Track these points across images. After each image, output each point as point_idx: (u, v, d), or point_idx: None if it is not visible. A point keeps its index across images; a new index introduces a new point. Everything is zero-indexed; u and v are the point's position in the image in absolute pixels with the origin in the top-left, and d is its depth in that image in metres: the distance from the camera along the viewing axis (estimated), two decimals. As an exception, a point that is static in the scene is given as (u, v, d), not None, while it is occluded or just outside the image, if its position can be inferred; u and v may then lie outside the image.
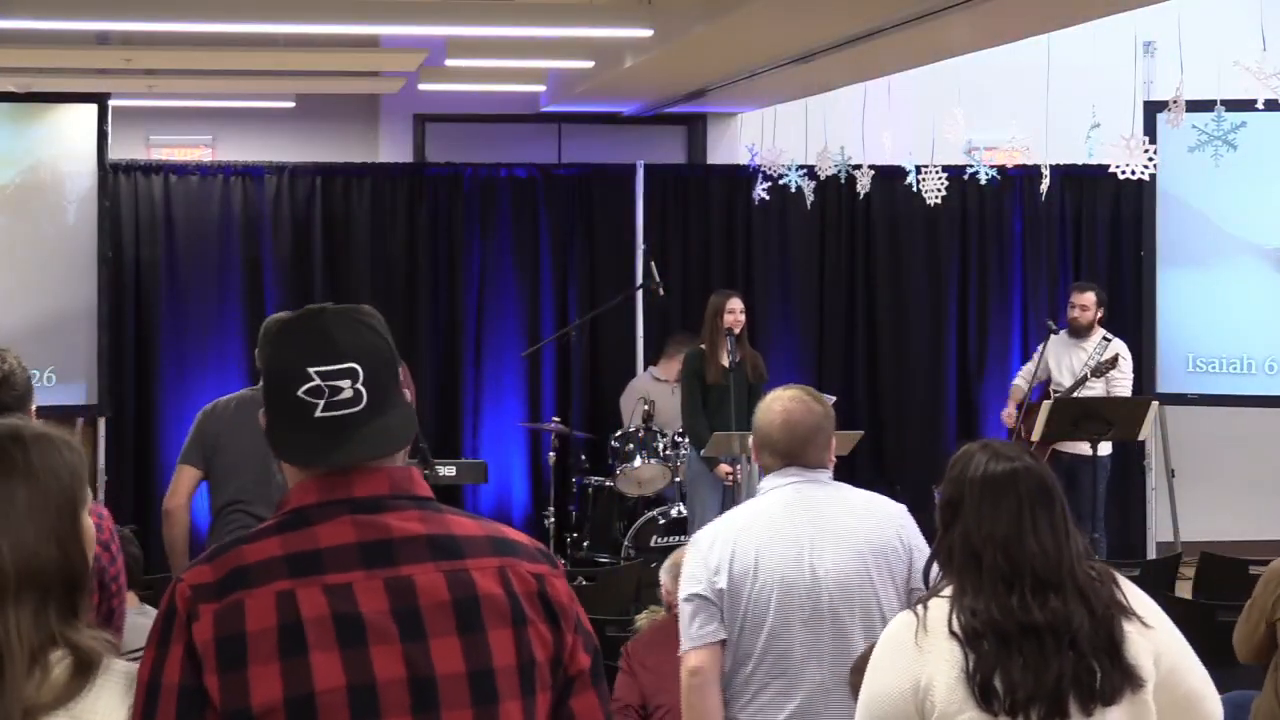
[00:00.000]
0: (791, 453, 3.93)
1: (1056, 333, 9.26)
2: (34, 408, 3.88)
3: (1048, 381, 9.34)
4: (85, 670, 2.12)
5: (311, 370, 2.17)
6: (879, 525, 3.91)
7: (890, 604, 3.79)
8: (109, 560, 3.90)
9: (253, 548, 2.10)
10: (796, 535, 3.83)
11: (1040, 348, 9.38)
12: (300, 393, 2.16)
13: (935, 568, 3.09)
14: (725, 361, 8.53)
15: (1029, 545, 2.94)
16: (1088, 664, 2.91)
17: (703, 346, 8.69)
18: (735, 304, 8.86)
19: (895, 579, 3.87)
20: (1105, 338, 9.28)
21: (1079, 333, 9.24)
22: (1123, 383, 9.20)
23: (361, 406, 2.17)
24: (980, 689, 2.87)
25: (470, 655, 2.10)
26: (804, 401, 3.99)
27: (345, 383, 2.18)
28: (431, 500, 2.20)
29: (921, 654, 2.93)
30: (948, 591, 2.98)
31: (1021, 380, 9.44)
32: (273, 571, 2.07)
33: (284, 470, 2.22)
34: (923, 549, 3.83)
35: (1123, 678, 2.92)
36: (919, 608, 2.99)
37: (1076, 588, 2.95)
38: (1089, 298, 9.30)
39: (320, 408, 2.16)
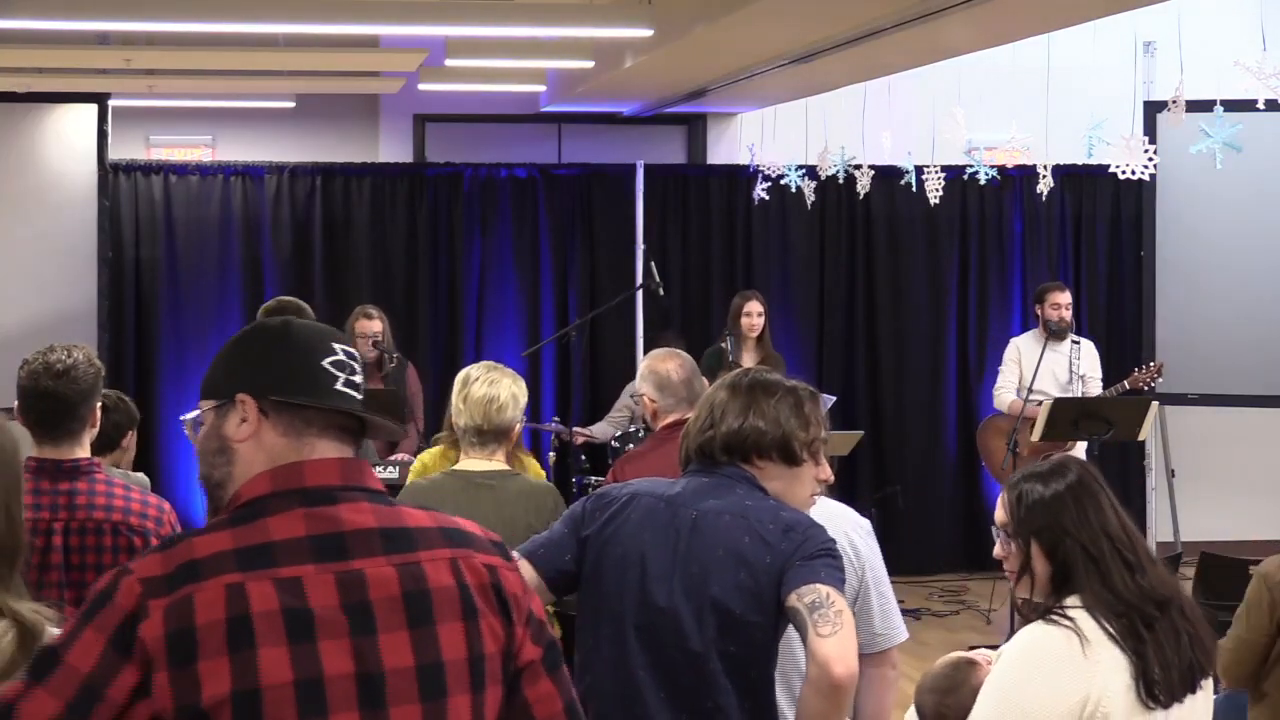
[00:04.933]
0: None
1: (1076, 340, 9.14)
2: (99, 405, 3.85)
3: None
4: (30, 642, 2.13)
5: (336, 346, 2.21)
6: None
7: None
8: None
9: (204, 540, 2.08)
10: None
11: (1010, 355, 9.22)
12: (325, 363, 2.19)
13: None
14: (744, 363, 8.53)
15: (1130, 528, 3.01)
16: (1195, 633, 2.95)
17: (722, 345, 8.72)
18: (753, 306, 8.96)
19: None
20: (1075, 340, 9.16)
21: (1059, 334, 8.99)
22: (1096, 382, 9.15)
23: (362, 397, 2.24)
24: (1146, 685, 2.85)
25: (419, 649, 2.08)
26: None
27: (359, 368, 2.24)
28: (382, 493, 2.20)
29: (1091, 666, 2.86)
30: (1069, 602, 2.94)
31: (1010, 393, 9.08)
32: (222, 564, 2.04)
33: (251, 452, 2.18)
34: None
35: (1209, 647, 2.97)
36: (1061, 620, 2.91)
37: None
38: (1069, 296, 9.16)
39: (341, 382, 2.20)
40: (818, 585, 2.90)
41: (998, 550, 3.11)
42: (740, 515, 3.05)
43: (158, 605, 2.01)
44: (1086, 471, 3.06)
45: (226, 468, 2.17)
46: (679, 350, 5.19)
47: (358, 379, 2.22)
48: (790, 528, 3.02)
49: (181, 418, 2.29)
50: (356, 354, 2.25)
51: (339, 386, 2.19)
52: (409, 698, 2.06)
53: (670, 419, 4.91)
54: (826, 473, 3.27)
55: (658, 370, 4.97)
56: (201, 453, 2.20)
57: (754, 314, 8.94)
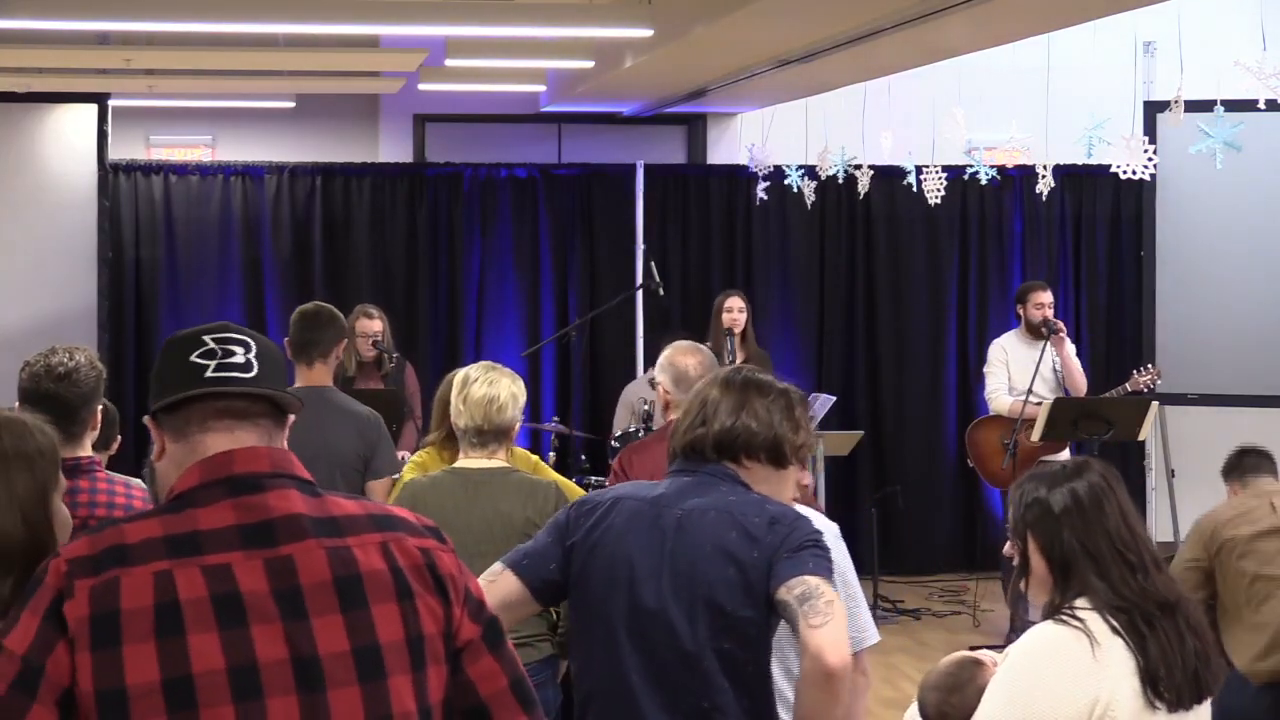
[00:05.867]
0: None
1: (1060, 334, 9.07)
2: (100, 407, 3.85)
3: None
4: None
5: (206, 338, 2.19)
6: None
7: None
8: None
9: (133, 527, 2.09)
10: None
11: (998, 356, 9.06)
12: (193, 357, 2.17)
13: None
14: (725, 361, 8.52)
15: (1136, 528, 3.00)
16: (1200, 646, 2.93)
17: (708, 345, 8.69)
18: (733, 303, 8.89)
19: None
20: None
21: (1039, 334, 8.78)
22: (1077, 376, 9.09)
23: (253, 374, 2.18)
24: (1151, 685, 2.85)
25: (354, 633, 2.08)
26: None
27: (239, 349, 2.19)
28: (310, 482, 2.20)
29: (1101, 668, 2.85)
30: (1078, 603, 2.93)
31: (1007, 396, 8.79)
32: (151, 551, 2.05)
33: (165, 468, 2.20)
34: None
35: (1215, 670, 2.95)
36: (1071, 620, 2.90)
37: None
38: (1051, 295, 9.05)
39: (211, 368, 2.17)
40: (806, 577, 2.89)
41: (1007, 548, 3.12)
42: (725, 511, 3.04)
43: (83, 585, 2.02)
44: (1100, 475, 3.05)
45: (155, 490, 2.19)
46: (701, 346, 5.15)
47: (237, 359, 2.19)
48: (776, 520, 3.01)
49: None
50: (242, 339, 2.21)
51: (209, 374, 2.17)
52: (347, 680, 2.06)
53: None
54: (807, 478, 3.27)
55: (677, 364, 4.95)
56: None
57: (734, 310, 8.86)
